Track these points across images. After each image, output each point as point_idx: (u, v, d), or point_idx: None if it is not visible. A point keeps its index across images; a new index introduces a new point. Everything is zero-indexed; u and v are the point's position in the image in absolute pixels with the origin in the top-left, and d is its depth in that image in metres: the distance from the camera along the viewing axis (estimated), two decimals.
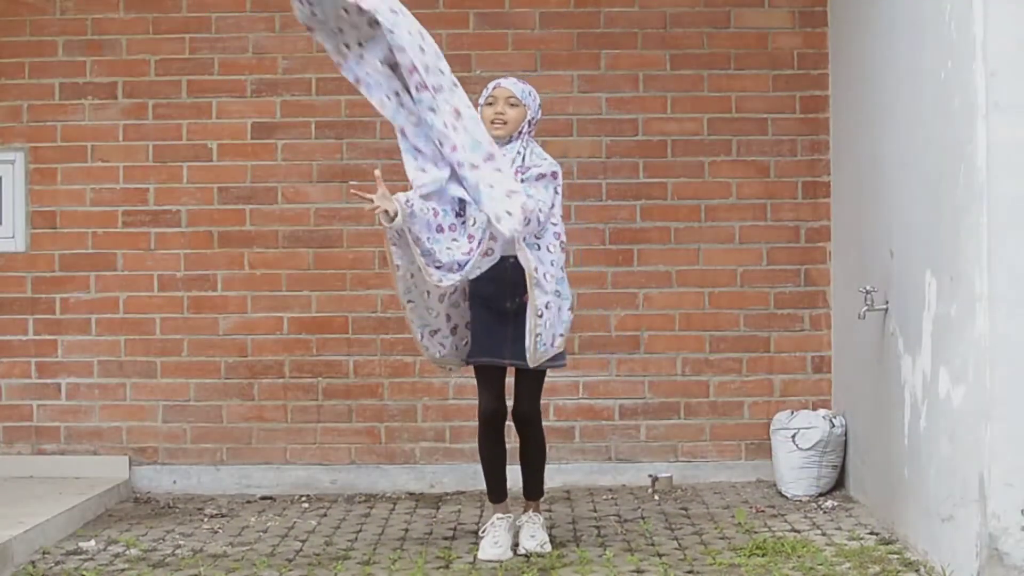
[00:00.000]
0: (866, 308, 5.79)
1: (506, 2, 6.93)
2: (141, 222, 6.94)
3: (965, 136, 4.64)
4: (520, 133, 5.40)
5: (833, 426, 6.48)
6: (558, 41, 6.93)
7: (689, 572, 5.08)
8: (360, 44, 5.20)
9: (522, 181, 5.25)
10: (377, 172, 5.26)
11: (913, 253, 5.33)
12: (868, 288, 5.81)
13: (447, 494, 6.71)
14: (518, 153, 5.37)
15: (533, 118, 5.42)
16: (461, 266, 5.17)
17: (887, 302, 5.71)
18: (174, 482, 6.89)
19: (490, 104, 5.39)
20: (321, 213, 6.94)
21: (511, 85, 5.42)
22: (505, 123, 5.35)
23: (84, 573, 5.21)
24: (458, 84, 5.14)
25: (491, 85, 5.45)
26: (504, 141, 5.35)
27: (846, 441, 6.51)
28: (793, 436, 6.47)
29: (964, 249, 4.67)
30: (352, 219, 6.92)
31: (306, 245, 6.93)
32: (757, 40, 6.92)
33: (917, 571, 4.99)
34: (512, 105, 5.37)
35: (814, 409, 6.71)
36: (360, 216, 6.92)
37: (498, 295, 5.32)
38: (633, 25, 6.92)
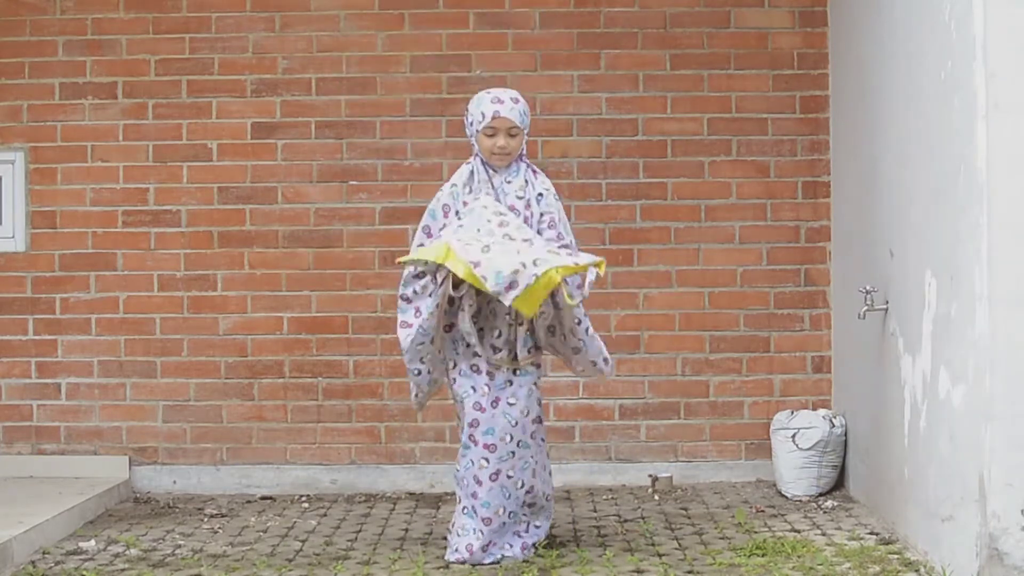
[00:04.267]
0: (866, 308, 5.79)
1: (506, 2, 6.93)
2: (141, 222, 6.95)
3: (965, 136, 4.64)
4: (520, 155, 5.37)
5: (833, 426, 6.48)
6: (558, 41, 6.93)
7: (689, 572, 5.08)
8: None
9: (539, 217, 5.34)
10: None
11: (913, 253, 5.33)
12: (868, 288, 5.81)
13: (447, 494, 6.70)
14: (526, 182, 5.34)
15: (527, 133, 5.39)
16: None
17: (887, 302, 5.71)
18: (174, 482, 6.89)
19: (490, 135, 5.25)
20: (321, 213, 6.94)
21: (511, 114, 5.23)
22: (508, 154, 5.29)
23: (84, 573, 5.21)
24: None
25: (488, 111, 5.23)
26: (505, 167, 5.33)
27: (846, 441, 6.51)
28: (793, 436, 6.47)
29: (964, 249, 4.67)
30: (352, 219, 6.92)
31: (306, 245, 6.93)
32: (757, 40, 6.92)
33: (917, 571, 4.99)
34: (513, 136, 5.26)
35: (814, 409, 6.72)
36: (360, 216, 6.92)
37: None
38: (633, 25, 6.92)
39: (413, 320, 5.23)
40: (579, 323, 5.29)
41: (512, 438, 5.24)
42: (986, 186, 4.50)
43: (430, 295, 5.19)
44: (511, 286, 4.95)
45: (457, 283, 5.10)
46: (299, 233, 6.94)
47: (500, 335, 5.24)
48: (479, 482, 5.22)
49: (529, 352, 5.28)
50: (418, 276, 5.23)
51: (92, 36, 6.94)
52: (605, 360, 5.41)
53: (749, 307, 6.92)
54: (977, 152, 4.54)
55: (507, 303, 4.99)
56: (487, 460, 5.21)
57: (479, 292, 5.15)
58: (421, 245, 5.28)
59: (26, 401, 6.94)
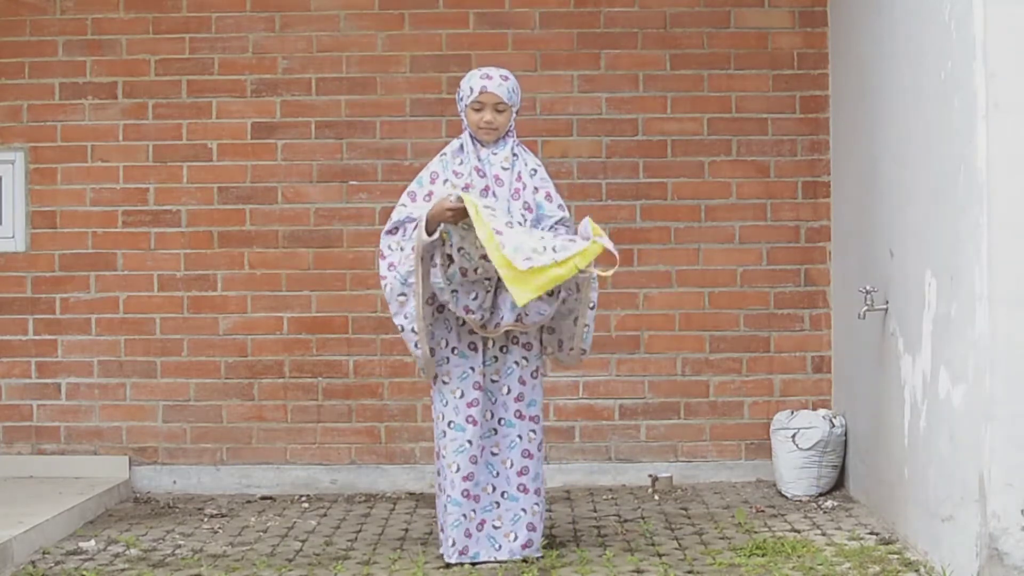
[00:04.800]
0: (866, 308, 5.79)
1: (506, 2, 6.93)
2: (141, 222, 6.95)
3: (965, 136, 4.64)
4: (508, 132, 5.37)
5: (833, 426, 6.48)
6: (558, 41, 6.93)
7: (689, 572, 5.08)
8: None
9: (535, 190, 5.32)
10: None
11: (913, 253, 5.33)
12: (868, 288, 5.81)
13: None
14: (514, 155, 5.35)
15: (517, 112, 5.39)
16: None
17: (887, 302, 5.71)
18: (174, 482, 6.89)
19: (477, 110, 5.26)
20: (321, 213, 6.94)
21: (499, 89, 5.25)
22: (495, 129, 5.29)
23: (84, 573, 5.21)
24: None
25: (476, 86, 5.26)
26: (492, 142, 5.34)
27: (846, 441, 6.51)
28: (793, 436, 6.47)
29: (964, 249, 4.67)
30: (352, 219, 6.92)
31: (306, 245, 6.93)
32: (757, 40, 6.92)
33: (917, 571, 4.99)
34: (500, 111, 5.27)
35: (814, 409, 6.72)
36: (360, 216, 6.92)
37: None
38: (633, 25, 6.92)
39: (387, 273, 5.23)
40: (592, 307, 5.28)
41: (493, 415, 5.28)
42: (986, 186, 4.50)
43: (401, 248, 5.20)
44: (528, 259, 4.92)
45: (432, 230, 5.10)
46: (299, 233, 6.94)
47: (476, 297, 5.20)
48: (474, 461, 5.24)
49: (517, 320, 5.24)
50: (391, 232, 5.26)
51: (92, 36, 6.94)
52: (583, 351, 5.38)
53: (749, 307, 6.92)
54: (977, 152, 4.54)
55: (522, 267, 4.89)
56: (469, 442, 5.24)
57: (458, 254, 5.14)
58: (403, 205, 5.27)
59: (26, 401, 6.94)
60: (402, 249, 5.20)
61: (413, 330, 5.20)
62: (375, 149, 6.94)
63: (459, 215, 5.04)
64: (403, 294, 5.20)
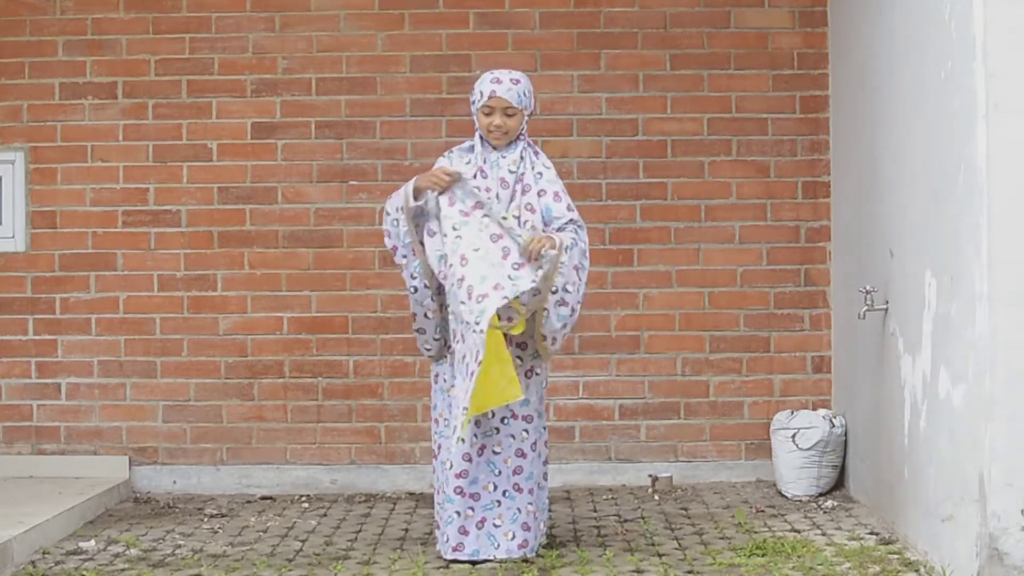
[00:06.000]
0: (866, 308, 5.79)
1: (506, 2, 6.94)
2: (141, 222, 6.95)
3: (965, 136, 4.65)
4: (520, 135, 5.39)
5: (833, 426, 6.48)
6: (558, 41, 6.93)
7: (689, 572, 5.08)
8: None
9: (539, 194, 5.34)
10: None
11: (913, 253, 5.33)
12: (868, 288, 5.82)
13: None
14: (522, 158, 5.36)
15: (530, 114, 5.43)
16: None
17: (887, 302, 5.71)
18: (174, 482, 6.89)
19: (487, 114, 5.32)
20: (321, 213, 6.94)
21: (507, 94, 5.29)
22: (505, 133, 5.33)
23: (84, 573, 5.22)
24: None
25: (486, 91, 5.31)
26: (503, 146, 5.36)
27: (846, 441, 6.51)
28: (793, 436, 6.48)
29: (964, 249, 4.67)
30: (352, 219, 6.92)
31: (306, 245, 6.93)
32: (757, 40, 6.92)
33: (917, 571, 4.99)
34: (510, 115, 5.31)
35: (814, 409, 6.72)
36: (360, 216, 6.92)
37: None
38: (633, 25, 6.93)
39: (390, 243, 5.43)
40: (554, 291, 5.25)
41: (495, 414, 5.28)
42: (986, 186, 4.50)
43: (396, 222, 5.38)
44: (497, 286, 5.09)
45: (417, 194, 5.27)
46: (299, 233, 6.94)
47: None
48: (468, 459, 5.24)
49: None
50: (388, 212, 5.43)
51: (92, 36, 6.94)
52: (553, 339, 5.32)
53: (749, 307, 6.92)
54: (977, 152, 4.55)
55: (494, 298, 5.06)
56: (475, 436, 5.25)
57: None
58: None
59: (26, 401, 6.94)
60: (396, 222, 5.36)
61: (426, 286, 5.32)
62: (375, 149, 6.94)
63: (443, 183, 5.21)
64: (406, 256, 5.36)
